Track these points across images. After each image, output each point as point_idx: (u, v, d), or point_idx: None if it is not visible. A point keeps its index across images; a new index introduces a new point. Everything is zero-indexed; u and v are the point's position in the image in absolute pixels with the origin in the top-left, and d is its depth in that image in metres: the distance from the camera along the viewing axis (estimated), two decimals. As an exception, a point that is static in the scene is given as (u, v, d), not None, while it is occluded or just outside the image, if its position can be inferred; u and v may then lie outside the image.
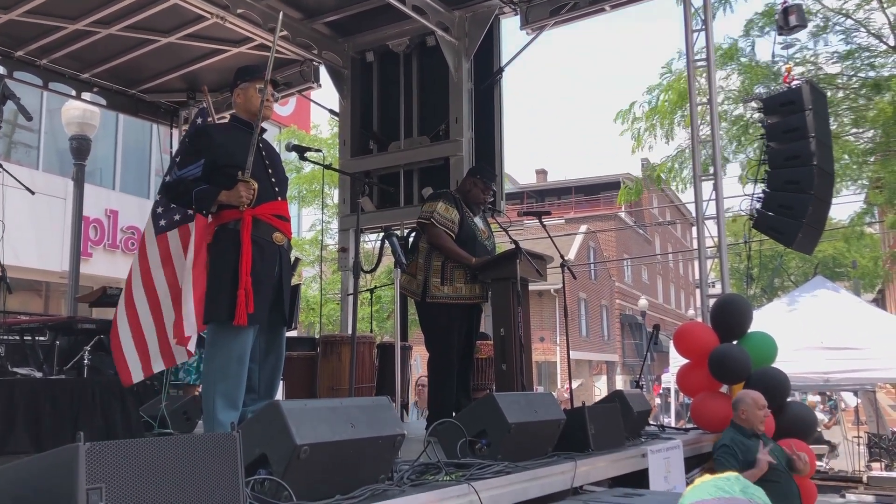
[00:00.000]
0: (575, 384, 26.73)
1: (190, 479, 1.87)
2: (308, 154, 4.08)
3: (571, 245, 29.78)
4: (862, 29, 9.83)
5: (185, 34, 7.51)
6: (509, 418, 3.20)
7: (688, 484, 4.59)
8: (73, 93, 8.27)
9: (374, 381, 6.32)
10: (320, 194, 20.31)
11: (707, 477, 3.14)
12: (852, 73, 9.92)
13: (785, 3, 6.51)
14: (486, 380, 5.79)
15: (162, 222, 4.35)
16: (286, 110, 19.46)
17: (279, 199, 3.70)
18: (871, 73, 9.91)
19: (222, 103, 8.86)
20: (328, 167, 4.25)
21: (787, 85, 6.39)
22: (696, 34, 6.08)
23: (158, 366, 4.28)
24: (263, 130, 3.77)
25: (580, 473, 3.42)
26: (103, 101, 8.57)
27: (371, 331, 7.60)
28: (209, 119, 4.76)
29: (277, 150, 4.09)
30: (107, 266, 14.15)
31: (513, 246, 4.81)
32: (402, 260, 4.20)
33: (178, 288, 4.15)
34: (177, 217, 4.37)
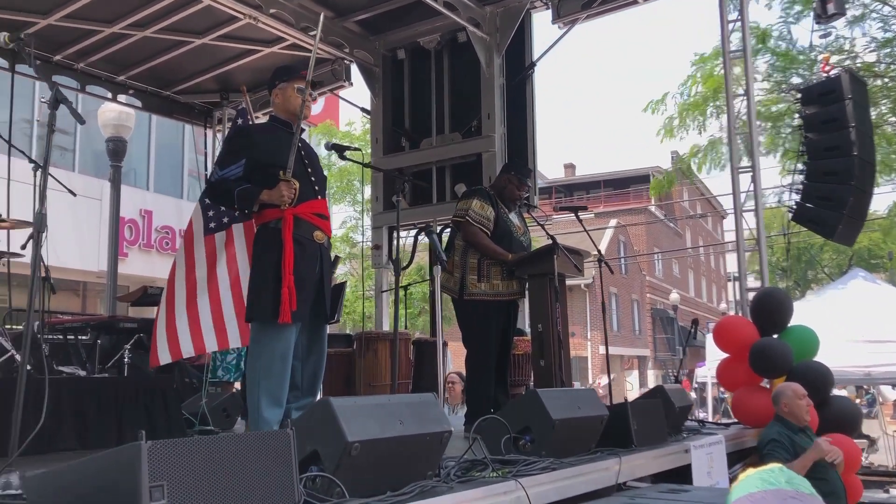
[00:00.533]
0: (606, 380, 26.60)
1: (246, 475, 1.89)
2: (347, 153, 4.10)
3: (601, 239, 29.60)
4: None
5: (218, 35, 7.57)
6: (553, 415, 3.19)
7: (731, 480, 4.56)
8: (110, 95, 8.38)
9: (411, 377, 6.36)
10: (350, 191, 20.42)
11: (751, 471, 3.13)
12: (890, 60, 9.74)
13: (822, -9, 6.39)
14: (522, 376, 5.79)
15: (212, 224, 4.41)
16: (315, 109, 19.57)
17: (319, 197, 3.73)
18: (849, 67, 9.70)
19: (255, 103, 8.94)
20: (367, 165, 4.27)
21: (826, 74, 6.28)
22: (731, 24, 6.00)
23: (187, 351, 4.37)
24: (302, 130, 3.80)
25: (624, 469, 3.41)
26: (139, 103, 8.67)
27: (405, 327, 7.61)
28: (249, 118, 4.80)
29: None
30: (142, 265, 14.36)
31: (549, 242, 4.80)
32: (443, 256, 4.20)
33: (216, 289, 4.23)
34: (225, 220, 4.43)
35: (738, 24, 5.94)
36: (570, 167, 43.32)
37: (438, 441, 2.59)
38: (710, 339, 10.45)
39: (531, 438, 3.25)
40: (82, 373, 5.73)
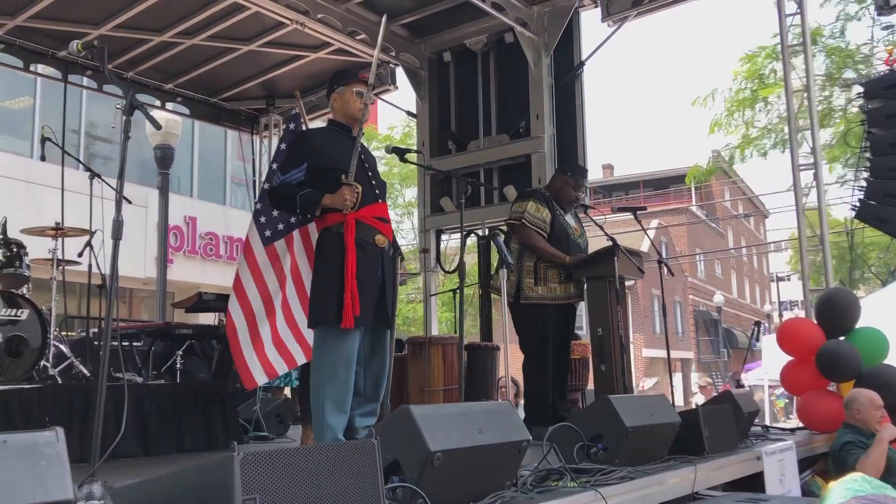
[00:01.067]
0: (650, 382, 26.26)
1: (333, 486, 1.84)
2: (407, 155, 4.05)
3: (642, 240, 29.26)
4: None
5: (265, 42, 7.60)
6: (627, 422, 3.10)
7: (801, 487, 4.41)
8: (158, 103, 8.45)
9: (462, 382, 6.28)
10: (391, 193, 20.46)
11: (833, 483, 3.00)
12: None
13: (883, -19, 6.19)
14: (578, 380, 5.69)
15: (267, 233, 4.39)
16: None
17: (380, 201, 3.68)
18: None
19: (304, 108, 8.96)
20: (429, 168, 4.21)
21: (889, 68, 6.08)
22: (789, 17, 5.84)
23: (281, 369, 4.34)
24: (362, 134, 3.76)
25: (699, 478, 3.30)
26: (186, 111, 8.74)
27: (456, 331, 7.53)
28: (302, 123, 4.78)
29: None
30: (187, 271, 14.50)
31: (608, 243, 4.70)
32: (509, 260, 4.13)
33: (287, 302, 4.22)
34: (280, 227, 4.40)
35: (797, 17, 5.78)
36: (608, 168, 42.93)
37: (517, 450, 2.51)
38: (766, 342, 10.25)
39: (604, 446, 3.16)
40: (139, 379, 5.76)
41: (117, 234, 2.38)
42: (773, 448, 4.04)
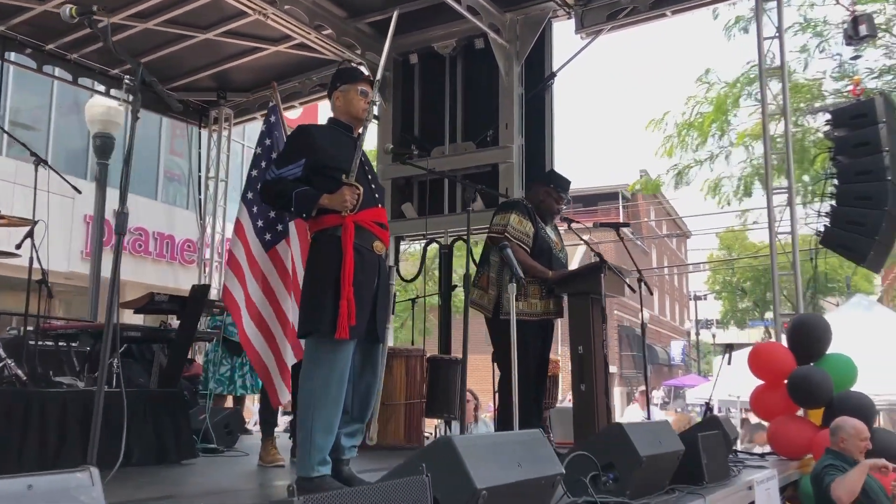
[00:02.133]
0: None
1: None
2: (409, 159, 3.81)
3: (574, 256, 29.55)
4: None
5: (222, 31, 7.24)
6: (641, 451, 2.93)
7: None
8: (102, 89, 7.95)
9: (425, 395, 6.05)
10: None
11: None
12: (891, 89, 9.75)
13: (854, 13, 6.29)
14: (548, 398, 5.53)
15: (267, 236, 4.07)
16: (294, 113, 19.21)
17: (379, 205, 3.43)
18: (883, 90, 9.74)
19: (254, 104, 8.61)
20: (431, 172, 3.98)
21: (857, 97, 6.16)
22: (767, 41, 5.85)
23: None
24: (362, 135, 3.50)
25: (707, 510, 3.16)
26: (131, 99, 8.24)
27: (412, 343, 7.30)
28: (280, 116, 4.48)
29: None
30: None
31: (593, 259, 4.56)
32: (519, 273, 3.92)
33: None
34: (280, 227, 4.10)
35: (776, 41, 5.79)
36: (540, 182, 43.15)
37: (551, 484, 2.31)
38: (717, 363, 10.33)
39: (615, 476, 2.98)
40: (80, 384, 5.31)
41: (122, 228, 2.08)
42: (761, 477, 3.96)
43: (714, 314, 49.82)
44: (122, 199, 2.21)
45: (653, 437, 3.14)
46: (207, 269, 9.11)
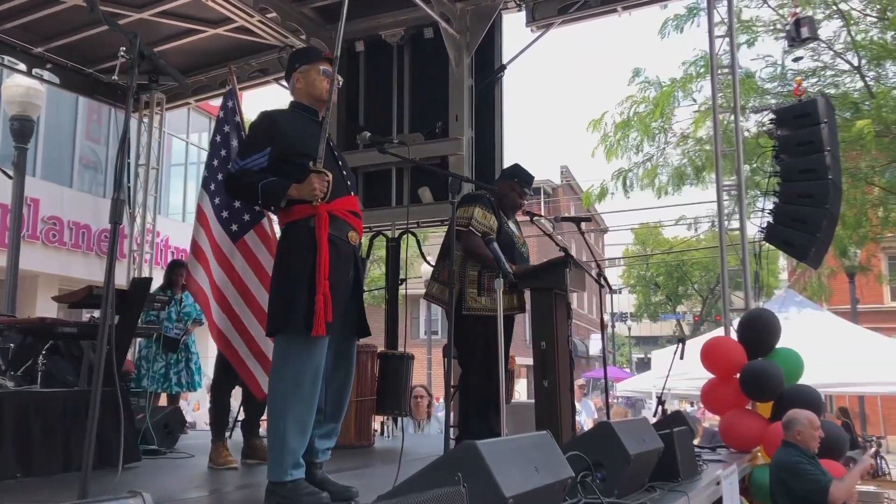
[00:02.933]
0: (521, 384, 26.63)
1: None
2: (388, 146, 3.64)
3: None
4: (826, 47, 10.02)
5: (159, 11, 6.88)
6: (630, 450, 2.88)
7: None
8: (24, 68, 7.45)
9: (374, 393, 5.90)
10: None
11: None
12: (816, 91, 10.09)
13: (796, 14, 6.44)
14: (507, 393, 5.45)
15: (234, 227, 3.83)
16: (217, 101, 18.62)
17: (351, 193, 3.26)
18: (832, 91, 10.10)
19: (188, 88, 8.25)
20: (415, 162, 3.82)
21: (798, 97, 6.31)
22: (718, 40, 5.92)
23: None
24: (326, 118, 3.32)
25: (689, 507, 3.13)
26: (56, 80, 7.78)
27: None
28: (236, 100, 4.25)
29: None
30: (26, 259, 13.00)
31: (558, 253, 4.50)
32: (507, 269, 3.80)
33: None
34: (246, 217, 3.87)
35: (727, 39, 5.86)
36: (462, 176, 43.37)
37: (562, 488, 2.22)
38: (657, 356, 10.52)
39: (602, 476, 2.91)
40: (10, 384, 4.93)
41: (117, 216, 1.86)
42: (726, 472, 3.97)
43: (628, 308, 51.24)
44: (119, 185, 1.98)
45: (637, 435, 3.10)
46: (137, 262, 8.68)
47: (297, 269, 3.01)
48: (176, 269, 6.65)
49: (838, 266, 12.68)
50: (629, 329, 50.20)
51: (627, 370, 38.66)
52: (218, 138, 4.05)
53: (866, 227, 11.56)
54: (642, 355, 50.70)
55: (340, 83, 3.48)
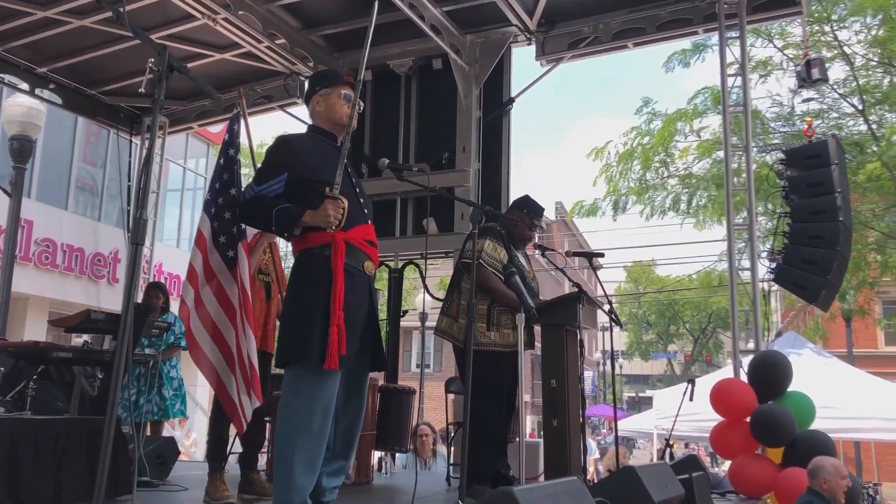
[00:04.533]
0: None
1: None
2: (406, 174, 3.56)
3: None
4: (831, 89, 10.07)
5: (166, 34, 6.82)
6: (654, 496, 2.76)
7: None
8: (26, 87, 7.37)
9: (375, 428, 5.74)
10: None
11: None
12: (824, 129, 10.12)
13: (807, 55, 6.44)
14: (512, 432, 5.32)
15: (230, 253, 3.70)
16: (217, 127, 18.60)
17: (368, 222, 3.16)
18: (836, 133, 10.13)
19: (191, 112, 8.19)
20: (435, 190, 3.73)
21: (809, 139, 6.28)
22: (731, 79, 5.89)
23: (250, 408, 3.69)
24: (345, 143, 3.23)
25: (713, 557, 3.00)
26: (59, 100, 7.68)
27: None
28: (244, 124, 4.15)
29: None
30: (18, 281, 12.85)
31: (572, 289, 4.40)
32: (529, 303, 3.69)
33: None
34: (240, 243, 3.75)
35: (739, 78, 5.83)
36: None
37: (593, 536, 2.09)
38: (659, 396, 10.38)
39: (626, 522, 2.79)
40: (1, 409, 4.77)
41: (139, 236, 1.75)
42: (742, 519, 3.84)
43: (620, 346, 51.09)
44: (143, 204, 1.87)
45: (659, 481, 2.98)
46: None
47: (312, 300, 2.90)
48: (152, 292, 6.47)
49: (837, 309, 12.63)
50: (620, 367, 50.04)
51: (622, 409, 38.42)
52: (222, 161, 3.95)
53: (865, 270, 11.54)
54: (633, 394, 50.47)
55: (361, 108, 3.40)
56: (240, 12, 6.23)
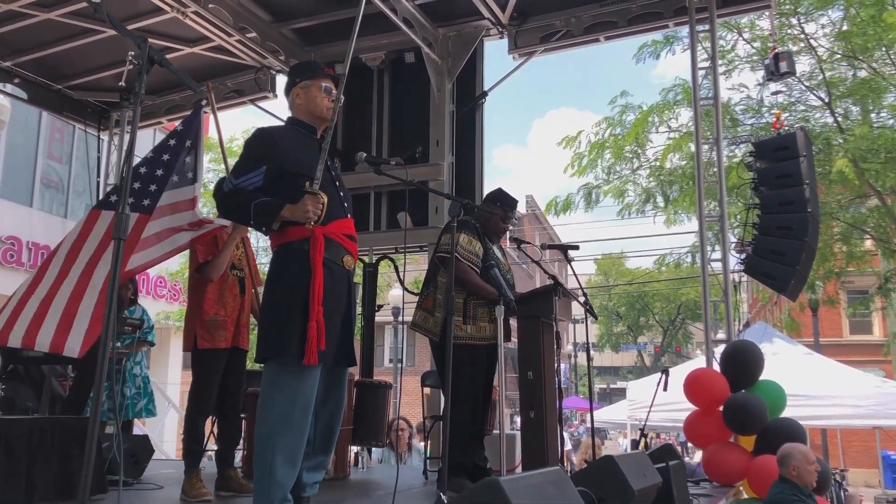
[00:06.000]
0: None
1: None
2: (384, 167, 3.54)
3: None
4: (798, 82, 10.21)
5: (135, 27, 6.70)
6: (633, 485, 2.78)
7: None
8: (-11, 82, 7.24)
9: (351, 423, 5.72)
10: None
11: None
12: (791, 122, 10.25)
13: (775, 48, 6.52)
14: (489, 424, 5.34)
15: (147, 202, 3.66)
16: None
17: (348, 215, 3.15)
18: (804, 125, 10.27)
19: (160, 107, 8.08)
20: (415, 185, 3.71)
21: (777, 131, 6.37)
22: (701, 72, 5.95)
23: (14, 341, 3.71)
24: (326, 137, 3.22)
25: (690, 544, 3.04)
26: (24, 95, 7.53)
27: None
28: (203, 120, 4.10)
29: None
30: (-21, 278, 12.64)
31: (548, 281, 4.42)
32: (509, 296, 3.69)
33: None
34: (146, 202, 3.67)
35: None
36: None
37: (576, 526, 2.11)
38: (633, 387, 10.48)
39: (605, 511, 2.81)
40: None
41: (121, 231, 1.73)
42: (718, 507, 3.90)
43: (590, 338, 51.44)
44: (122, 200, 1.84)
45: (638, 470, 3.01)
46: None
47: (291, 294, 2.89)
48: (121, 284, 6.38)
49: (804, 299, 12.83)
50: (591, 359, 50.22)
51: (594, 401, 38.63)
52: (172, 142, 3.84)
53: (831, 261, 11.74)
54: (604, 385, 50.84)
55: (342, 101, 3.39)
56: (210, 5, 6.16)
